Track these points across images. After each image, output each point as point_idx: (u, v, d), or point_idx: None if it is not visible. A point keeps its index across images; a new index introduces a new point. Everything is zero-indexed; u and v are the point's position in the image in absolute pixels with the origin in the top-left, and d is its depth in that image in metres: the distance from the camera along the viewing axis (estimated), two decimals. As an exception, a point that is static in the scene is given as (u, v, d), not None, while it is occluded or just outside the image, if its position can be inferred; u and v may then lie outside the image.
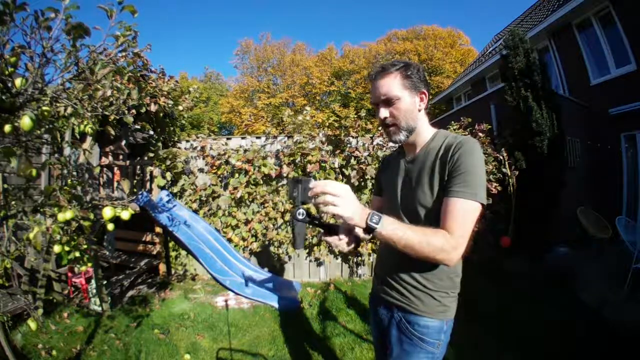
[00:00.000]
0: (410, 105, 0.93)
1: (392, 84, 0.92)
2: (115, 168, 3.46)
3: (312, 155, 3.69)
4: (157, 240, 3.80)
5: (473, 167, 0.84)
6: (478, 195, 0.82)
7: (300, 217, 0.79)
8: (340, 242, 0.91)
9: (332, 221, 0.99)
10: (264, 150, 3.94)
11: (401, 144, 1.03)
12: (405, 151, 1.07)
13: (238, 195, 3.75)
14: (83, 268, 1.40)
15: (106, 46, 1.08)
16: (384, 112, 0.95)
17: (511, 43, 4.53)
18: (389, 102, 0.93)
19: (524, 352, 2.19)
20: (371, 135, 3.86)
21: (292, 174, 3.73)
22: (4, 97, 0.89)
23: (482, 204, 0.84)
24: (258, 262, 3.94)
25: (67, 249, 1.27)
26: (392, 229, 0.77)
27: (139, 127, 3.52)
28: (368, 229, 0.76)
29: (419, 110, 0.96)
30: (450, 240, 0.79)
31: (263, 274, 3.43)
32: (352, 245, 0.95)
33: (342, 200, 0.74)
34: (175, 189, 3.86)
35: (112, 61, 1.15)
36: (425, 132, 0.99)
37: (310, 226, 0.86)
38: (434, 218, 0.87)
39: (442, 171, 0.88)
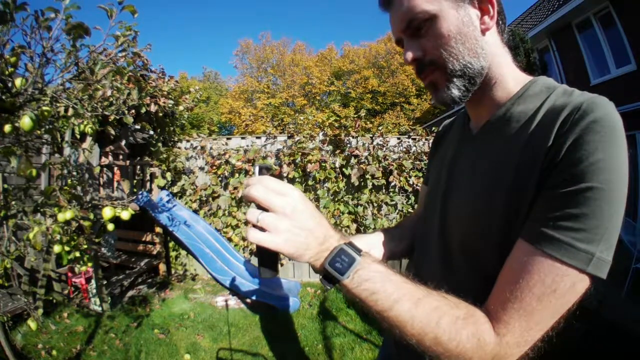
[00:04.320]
0: (458, 24, 0.47)
1: None
2: (115, 168, 3.46)
3: (312, 155, 3.69)
4: (157, 240, 3.80)
5: (606, 177, 0.37)
6: (599, 251, 0.37)
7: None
8: None
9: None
10: (264, 150, 3.95)
11: (457, 105, 0.53)
12: (470, 115, 0.60)
13: (238, 195, 3.76)
14: (83, 268, 1.40)
15: (106, 46, 1.08)
16: (412, 48, 0.51)
17: (512, 43, 4.50)
18: (417, 29, 0.50)
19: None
20: (371, 135, 3.86)
21: (293, 173, 3.73)
22: (4, 97, 0.89)
23: (598, 276, 0.38)
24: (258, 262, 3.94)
25: (67, 249, 1.27)
26: (370, 287, 0.40)
27: (139, 127, 3.52)
28: (328, 278, 0.41)
29: (482, 33, 0.49)
30: (488, 345, 0.39)
31: (263, 274, 3.42)
32: None
33: (281, 222, 0.39)
34: (175, 189, 3.86)
35: (112, 61, 1.15)
36: (506, 77, 0.51)
37: None
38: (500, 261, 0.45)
39: (533, 174, 0.42)
